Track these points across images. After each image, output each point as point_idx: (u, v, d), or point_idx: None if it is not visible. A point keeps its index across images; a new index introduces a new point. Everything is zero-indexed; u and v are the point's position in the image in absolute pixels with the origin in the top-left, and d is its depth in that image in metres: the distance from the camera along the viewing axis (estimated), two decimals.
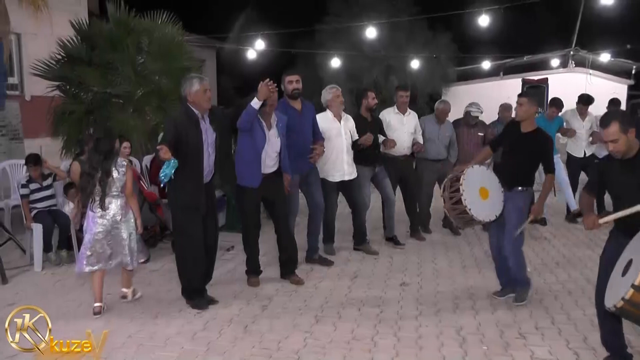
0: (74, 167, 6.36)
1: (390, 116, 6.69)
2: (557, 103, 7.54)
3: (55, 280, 5.36)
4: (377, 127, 6.38)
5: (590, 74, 15.45)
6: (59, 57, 7.67)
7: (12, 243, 6.10)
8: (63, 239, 5.92)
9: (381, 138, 6.36)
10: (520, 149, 4.55)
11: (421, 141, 6.79)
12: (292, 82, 5.47)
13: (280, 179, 5.17)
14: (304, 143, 5.47)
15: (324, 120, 5.87)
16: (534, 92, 9.16)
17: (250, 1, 19.87)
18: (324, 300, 4.73)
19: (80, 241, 6.00)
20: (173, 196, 4.57)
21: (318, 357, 3.64)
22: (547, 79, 9.83)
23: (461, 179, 4.50)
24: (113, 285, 5.09)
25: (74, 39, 7.73)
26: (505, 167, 4.72)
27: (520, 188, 4.55)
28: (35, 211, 5.88)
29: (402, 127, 6.62)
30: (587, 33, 16.39)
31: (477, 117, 7.17)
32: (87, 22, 8.29)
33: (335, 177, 5.93)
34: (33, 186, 5.92)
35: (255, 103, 4.69)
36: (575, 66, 16.14)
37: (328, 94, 6.00)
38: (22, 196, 5.89)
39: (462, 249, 6.42)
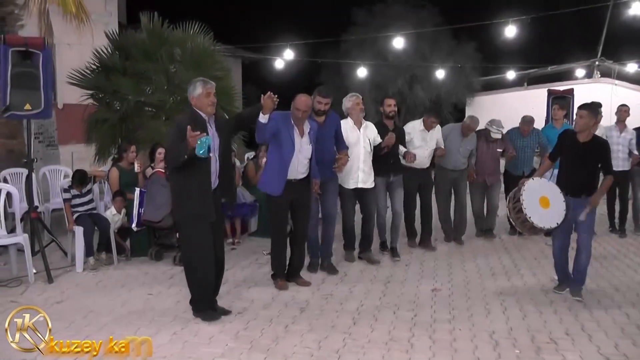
0: (112, 173, 6.63)
1: (415, 132, 6.67)
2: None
3: (96, 280, 5.56)
4: (399, 136, 6.36)
5: (615, 84, 15.37)
6: (94, 66, 7.91)
7: (53, 245, 6.33)
8: (103, 241, 6.14)
9: (402, 150, 6.36)
10: (581, 158, 4.87)
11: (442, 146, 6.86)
12: (322, 103, 5.49)
13: (308, 184, 5.28)
14: (322, 152, 5.45)
15: (344, 127, 5.88)
16: (563, 102, 9.11)
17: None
18: (359, 304, 4.86)
19: (119, 245, 6.26)
20: (179, 205, 4.39)
21: (358, 357, 3.77)
22: (572, 89, 9.81)
23: (521, 191, 4.95)
24: (154, 286, 5.33)
25: (108, 48, 7.98)
26: (569, 177, 4.97)
27: (585, 195, 4.87)
28: (76, 214, 6.10)
29: (425, 145, 6.65)
30: (613, 43, 16.33)
31: (497, 138, 7.13)
32: (117, 32, 8.56)
33: (350, 184, 5.97)
34: (74, 192, 6.13)
35: (263, 117, 4.63)
36: (601, 77, 16.07)
37: (348, 101, 6.10)
38: (65, 200, 6.11)
39: (489, 257, 6.50)
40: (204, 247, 4.30)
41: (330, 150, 5.63)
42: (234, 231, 7.18)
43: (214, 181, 4.39)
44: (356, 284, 5.45)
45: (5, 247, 5.89)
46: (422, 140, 6.66)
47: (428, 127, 6.69)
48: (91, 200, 6.29)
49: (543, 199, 4.94)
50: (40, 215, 6.44)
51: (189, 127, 3.99)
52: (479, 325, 4.36)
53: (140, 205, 6.12)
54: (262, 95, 4.56)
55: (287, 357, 3.76)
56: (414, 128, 6.74)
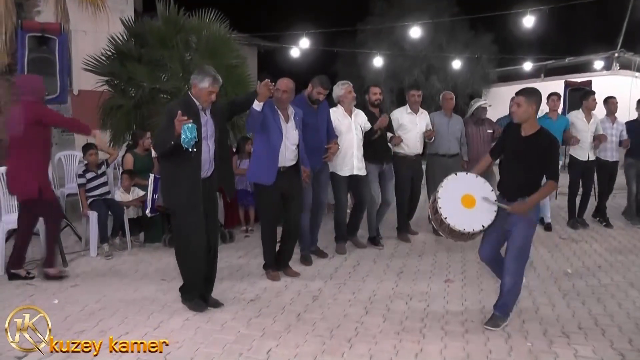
0: (127, 159, 6.67)
1: (402, 116, 6.59)
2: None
3: (110, 265, 5.63)
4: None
5: (636, 76, 15.14)
6: (109, 53, 7.94)
7: (68, 229, 6.40)
8: (117, 226, 6.21)
9: (389, 136, 6.37)
10: (522, 155, 4.09)
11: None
12: (321, 94, 5.48)
13: (298, 172, 5.19)
14: (318, 140, 5.50)
15: (335, 115, 5.90)
16: (577, 94, 9.01)
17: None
18: (371, 293, 4.86)
19: (132, 228, 6.31)
20: (169, 193, 4.30)
21: (370, 346, 3.78)
22: (590, 81, 9.69)
23: (438, 186, 4.23)
24: (167, 272, 5.36)
25: (123, 35, 7.99)
26: (507, 176, 4.24)
27: (526, 199, 4.05)
28: (91, 199, 6.15)
29: (414, 127, 6.55)
30: (634, 35, 16.05)
31: (486, 109, 7.08)
32: (133, 19, 8.56)
33: (345, 171, 5.94)
34: (89, 175, 6.19)
35: (257, 105, 4.60)
36: (620, 69, 15.84)
37: (340, 89, 6.01)
38: (80, 185, 6.16)
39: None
40: (195, 236, 4.20)
41: (324, 137, 5.62)
42: (248, 219, 7.21)
43: (208, 169, 4.30)
44: (369, 273, 5.45)
45: None
46: (411, 123, 6.56)
47: (413, 104, 6.62)
48: (105, 184, 6.33)
49: (467, 197, 4.15)
50: None
51: (179, 111, 3.88)
52: None
53: (155, 191, 6.14)
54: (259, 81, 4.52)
55: (299, 345, 3.77)
56: (401, 113, 6.65)
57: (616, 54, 15.92)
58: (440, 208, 4.11)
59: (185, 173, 4.13)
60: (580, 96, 7.68)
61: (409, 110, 6.63)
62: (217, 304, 4.45)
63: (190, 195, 4.14)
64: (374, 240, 6.50)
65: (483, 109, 7.06)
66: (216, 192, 4.52)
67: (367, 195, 6.17)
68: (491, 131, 7.02)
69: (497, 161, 4.72)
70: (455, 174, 4.28)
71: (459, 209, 4.12)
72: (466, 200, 4.15)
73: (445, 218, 4.09)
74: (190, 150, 3.96)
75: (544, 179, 4.14)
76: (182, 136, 3.85)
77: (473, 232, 4.14)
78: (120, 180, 6.49)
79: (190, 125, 3.87)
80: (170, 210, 4.41)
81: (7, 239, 5.57)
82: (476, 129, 7.03)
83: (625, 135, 7.66)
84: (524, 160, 4.06)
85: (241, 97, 4.86)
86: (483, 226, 4.12)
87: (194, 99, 4.17)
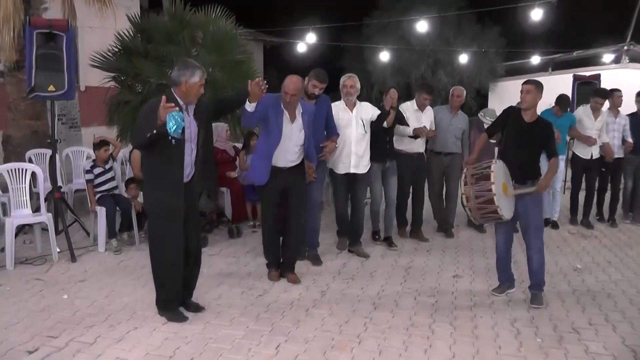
0: (135, 154, 6.65)
1: (409, 112, 6.37)
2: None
3: (118, 260, 5.62)
4: (398, 117, 6.01)
5: None
6: (116, 49, 7.95)
7: (76, 224, 6.42)
8: (125, 221, 6.20)
9: (408, 130, 6.14)
10: (526, 140, 4.50)
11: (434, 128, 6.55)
12: (317, 87, 5.20)
13: (302, 172, 4.99)
14: (314, 136, 5.13)
15: (336, 109, 5.61)
16: (586, 88, 8.93)
17: None
18: (380, 289, 4.85)
19: (140, 223, 6.31)
20: (148, 197, 4.13)
21: (379, 342, 3.77)
22: (599, 75, 9.59)
23: (492, 177, 4.27)
24: None
25: (130, 31, 8.00)
26: (512, 160, 4.52)
27: (531, 182, 4.51)
28: (98, 195, 6.16)
29: (419, 125, 6.27)
30: None
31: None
32: (139, 16, 8.57)
33: (340, 169, 5.70)
34: (97, 171, 6.19)
35: (249, 106, 4.36)
36: (630, 62, 15.68)
37: (341, 82, 5.79)
38: (87, 181, 6.17)
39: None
40: (172, 244, 3.99)
41: (321, 133, 5.34)
42: (255, 214, 7.21)
43: (189, 173, 4.05)
44: (377, 269, 5.44)
45: (30, 225, 6.01)
46: (416, 121, 6.31)
47: (421, 105, 6.42)
48: (112, 179, 6.33)
49: (504, 186, 4.39)
50: (64, 195, 6.51)
51: (163, 96, 3.57)
52: (500, 313, 4.33)
53: None
54: (259, 77, 4.34)
55: (308, 341, 3.76)
56: (408, 108, 6.42)
57: (625, 47, 15.74)
58: (497, 201, 4.27)
59: (166, 177, 3.92)
60: (607, 93, 7.49)
61: (416, 108, 6.44)
62: (197, 309, 4.26)
63: (170, 201, 3.93)
64: (375, 235, 6.37)
65: (484, 126, 6.78)
66: (197, 196, 4.30)
67: (362, 197, 5.91)
68: (494, 141, 6.88)
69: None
70: (496, 162, 4.45)
71: (503, 198, 4.36)
72: (504, 188, 4.42)
73: (501, 210, 4.30)
74: (171, 138, 3.62)
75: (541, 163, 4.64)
76: (169, 124, 3.48)
77: (509, 218, 4.46)
78: (127, 190, 6.44)
79: (176, 111, 3.54)
80: (148, 212, 4.24)
81: (16, 234, 5.59)
82: (479, 134, 6.78)
83: (628, 131, 7.45)
84: (528, 143, 4.50)
85: (231, 96, 4.56)
86: (513, 212, 4.47)
87: (178, 98, 3.87)
